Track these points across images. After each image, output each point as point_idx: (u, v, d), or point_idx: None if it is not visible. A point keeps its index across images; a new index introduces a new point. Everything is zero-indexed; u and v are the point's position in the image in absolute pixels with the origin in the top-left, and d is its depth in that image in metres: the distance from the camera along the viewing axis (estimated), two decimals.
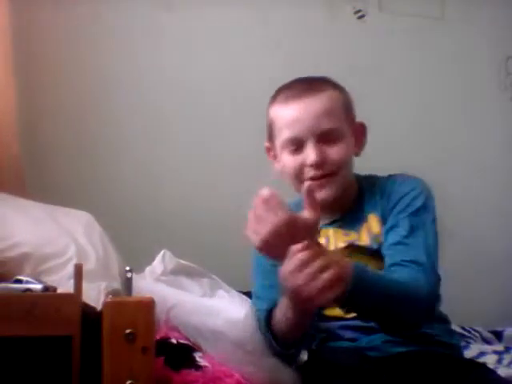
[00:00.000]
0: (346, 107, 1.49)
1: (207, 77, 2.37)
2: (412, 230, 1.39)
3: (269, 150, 1.57)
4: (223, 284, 1.68)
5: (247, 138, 2.40)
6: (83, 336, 1.13)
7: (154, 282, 1.57)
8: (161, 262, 1.62)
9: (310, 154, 1.42)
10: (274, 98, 1.51)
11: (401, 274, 1.31)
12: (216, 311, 1.44)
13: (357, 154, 1.51)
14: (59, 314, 1.12)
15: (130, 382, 1.12)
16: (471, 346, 2.02)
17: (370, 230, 1.46)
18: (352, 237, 1.47)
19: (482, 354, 1.94)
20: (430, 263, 1.35)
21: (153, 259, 1.65)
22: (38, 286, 1.19)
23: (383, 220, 1.45)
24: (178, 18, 2.36)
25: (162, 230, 2.22)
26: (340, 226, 1.49)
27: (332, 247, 1.47)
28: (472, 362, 1.53)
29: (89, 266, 1.46)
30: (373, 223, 1.47)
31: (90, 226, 1.65)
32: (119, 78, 2.30)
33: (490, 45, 2.64)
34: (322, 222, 1.46)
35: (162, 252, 1.64)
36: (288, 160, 1.47)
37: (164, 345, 1.35)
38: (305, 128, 1.43)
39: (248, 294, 1.58)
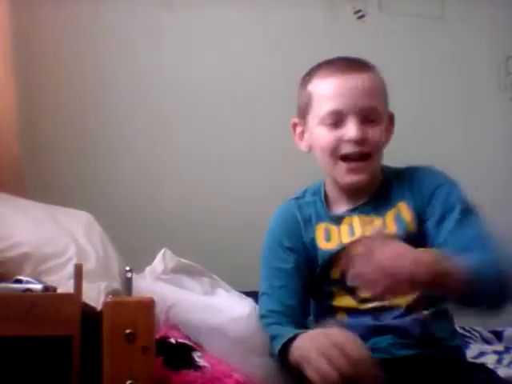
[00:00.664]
0: (385, 91, 1.48)
1: (207, 77, 2.37)
2: (464, 213, 1.39)
3: (295, 125, 1.54)
4: (223, 283, 1.68)
5: (247, 138, 2.41)
6: (83, 336, 1.13)
7: (154, 281, 1.57)
8: (161, 260, 1.62)
9: (351, 129, 1.40)
10: (312, 73, 1.48)
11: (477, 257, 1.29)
12: (216, 309, 1.43)
13: (386, 143, 1.49)
14: (59, 314, 1.12)
15: (129, 382, 1.12)
16: (471, 346, 2.02)
17: (398, 218, 1.44)
18: (377, 223, 1.45)
19: (482, 354, 1.94)
20: (491, 239, 1.35)
21: (153, 259, 1.65)
22: (37, 286, 1.19)
23: (414, 210, 1.43)
24: (177, 17, 2.36)
25: (162, 230, 2.22)
26: (364, 213, 1.46)
27: (358, 234, 1.44)
28: (475, 365, 1.52)
29: (89, 266, 1.46)
30: (403, 211, 1.44)
31: (90, 226, 1.65)
32: (119, 78, 2.30)
33: (490, 45, 2.64)
34: (345, 208, 1.48)
35: (162, 251, 1.64)
36: (324, 134, 1.44)
37: (163, 345, 1.35)
38: (348, 102, 1.40)
39: (248, 294, 1.58)
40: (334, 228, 1.47)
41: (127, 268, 1.24)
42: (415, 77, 2.55)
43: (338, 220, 1.47)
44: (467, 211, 1.40)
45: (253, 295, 1.57)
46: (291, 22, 2.46)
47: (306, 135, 1.51)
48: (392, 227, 1.43)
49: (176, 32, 2.37)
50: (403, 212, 1.44)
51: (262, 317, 1.44)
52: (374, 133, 1.42)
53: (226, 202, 2.33)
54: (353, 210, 1.47)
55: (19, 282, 1.22)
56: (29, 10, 2.19)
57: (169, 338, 1.39)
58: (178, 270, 1.62)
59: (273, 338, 1.38)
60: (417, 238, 1.41)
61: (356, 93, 1.41)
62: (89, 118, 2.27)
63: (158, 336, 1.35)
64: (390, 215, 1.45)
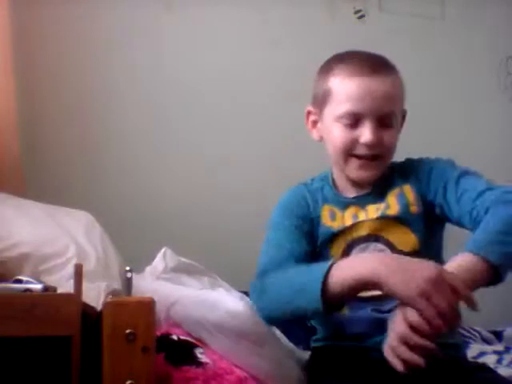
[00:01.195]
0: (403, 95, 1.51)
1: (207, 76, 2.37)
2: (462, 173, 1.46)
3: (309, 114, 1.54)
4: (223, 283, 1.68)
5: (247, 138, 2.41)
6: (83, 336, 1.13)
7: (154, 281, 1.57)
8: (162, 259, 1.62)
9: (368, 133, 1.42)
10: (334, 67, 1.48)
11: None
12: (216, 303, 1.43)
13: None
14: (59, 314, 1.12)
15: (129, 381, 1.12)
16: (471, 345, 2.02)
17: (401, 197, 1.46)
18: (381, 208, 1.47)
19: (482, 353, 1.94)
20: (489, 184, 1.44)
21: (153, 259, 1.65)
22: (38, 286, 1.19)
23: (417, 192, 1.46)
24: (178, 17, 2.36)
25: (162, 230, 2.21)
26: (368, 201, 1.49)
27: (361, 219, 1.47)
28: (478, 364, 1.52)
29: (89, 266, 1.46)
30: (406, 192, 1.47)
31: (90, 225, 1.66)
32: (119, 78, 2.30)
33: (490, 45, 2.64)
34: (351, 195, 1.50)
35: (162, 250, 1.64)
36: (339, 133, 1.45)
37: (165, 341, 1.35)
38: (367, 106, 1.42)
39: (248, 294, 1.58)
40: (338, 212, 1.49)
41: (127, 268, 1.24)
42: (415, 77, 2.54)
43: (343, 205, 1.50)
44: (466, 171, 1.48)
45: None
46: (291, 21, 2.46)
47: (320, 126, 1.52)
48: (394, 207, 1.46)
49: (176, 32, 2.37)
50: (406, 192, 1.48)
51: (271, 268, 1.43)
52: (388, 136, 1.45)
53: (226, 201, 2.33)
54: (358, 199, 1.50)
55: (19, 282, 1.22)
56: (29, 10, 2.19)
57: (171, 334, 1.39)
58: (179, 269, 1.62)
59: (302, 274, 1.34)
60: (417, 219, 1.45)
61: (376, 97, 1.42)
62: (89, 117, 2.27)
63: (159, 333, 1.35)
64: (392, 195, 1.48)
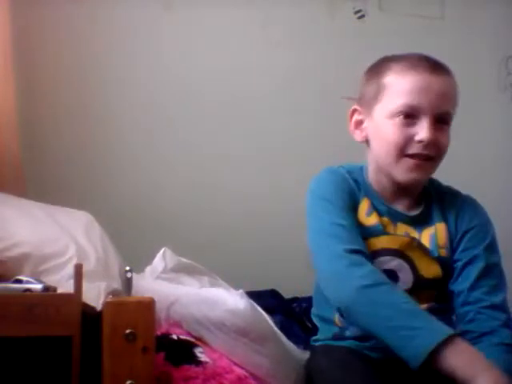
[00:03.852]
0: (457, 99, 1.47)
1: (207, 77, 2.37)
2: (487, 270, 1.42)
3: (354, 113, 1.49)
4: (223, 283, 1.68)
5: (247, 138, 2.41)
6: (83, 336, 1.13)
7: (154, 280, 1.57)
8: (162, 259, 1.63)
9: (425, 130, 1.37)
10: (390, 65, 1.44)
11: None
12: (216, 301, 1.43)
13: None
14: (59, 314, 1.12)
15: (129, 381, 1.13)
16: None
17: (434, 238, 1.45)
18: (413, 234, 1.45)
19: None
20: (505, 302, 1.40)
21: (153, 259, 1.65)
22: (38, 286, 1.19)
23: (450, 235, 1.45)
24: (178, 17, 2.36)
25: (162, 230, 2.22)
26: (402, 221, 1.46)
27: (391, 231, 1.44)
28: None
29: (89, 266, 1.46)
30: (440, 233, 1.46)
31: (90, 225, 1.66)
32: (119, 78, 2.30)
33: (490, 45, 2.64)
34: (384, 203, 1.46)
35: (162, 250, 1.64)
36: (393, 130, 1.40)
37: (164, 341, 1.35)
38: (425, 100, 1.38)
39: (248, 294, 1.58)
40: (374, 210, 1.45)
41: (127, 268, 1.25)
42: None
43: (378, 209, 1.45)
44: (496, 264, 1.44)
45: (252, 295, 1.57)
46: (291, 21, 2.45)
47: (367, 125, 1.47)
48: (426, 243, 1.45)
49: (176, 32, 2.37)
50: (439, 234, 1.46)
51: (362, 252, 1.35)
52: (443, 138, 1.41)
53: (226, 201, 2.33)
54: (393, 215, 1.46)
55: (19, 282, 1.22)
56: (29, 10, 2.19)
57: (171, 334, 1.39)
58: (179, 269, 1.63)
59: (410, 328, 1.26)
60: (444, 258, 1.44)
61: (436, 94, 1.39)
62: (89, 117, 2.27)
63: (159, 332, 1.36)
64: (426, 233, 1.46)
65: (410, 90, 1.39)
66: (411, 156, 1.40)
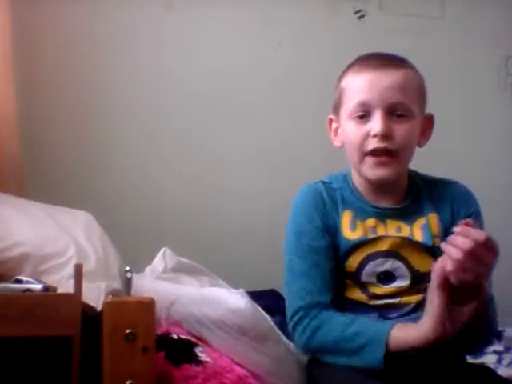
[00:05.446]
0: (419, 90, 1.47)
1: (207, 77, 2.37)
2: None
3: (331, 122, 1.53)
4: (223, 283, 1.68)
5: (247, 138, 2.41)
6: (83, 336, 1.13)
7: (154, 280, 1.57)
8: (162, 259, 1.63)
9: (377, 124, 1.39)
10: (348, 68, 1.49)
11: None
12: (217, 300, 1.43)
13: (420, 145, 1.49)
14: (59, 314, 1.12)
15: (129, 381, 1.13)
16: None
17: (427, 228, 1.45)
18: (404, 232, 1.45)
19: (482, 353, 1.94)
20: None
21: (153, 259, 1.65)
22: (37, 286, 1.19)
23: (444, 224, 1.45)
24: (178, 17, 2.36)
25: (162, 230, 2.22)
26: (392, 217, 1.46)
27: (380, 234, 1.44)
28: (478, 366, 1.52)
29: (89, 266, 1.46)
30: (433, 224, 1.46)
31: (90, 225, 1.66)
32: (119, 78, 2.30)
33: (489, 45, 2.64)
34: (372, 205, 1.47)
35: (162, 250, 1.64)
36: (353, 130, 1.43)
37: (165, 340, 1.35)
38: (375, 94, 1.40)
39: (248, 294, 1.58)
40: (359, 221, 1.45)
41: (127, 268, 1.25)
42: None
43: (364, 213, 1.46)
44: None
45: (252, 295, 1.57)
46: (291, 21, 2.45)
47: (340, 130, 1.50)
48: (418, 236, 1.45)
49: (177, 32, 2.37)
50: (432, 224, 1.46)
51: (307, 307, 1.41)
52: (400, 130, 1.41)
53: (226, 201, 2.33)
54: (381, 214, 1.46)
55: (19, 282, 1.23)
56: (29, 10, 2.19)
57: (171, 333, 1.40)
58: (179, 269, 1.63)
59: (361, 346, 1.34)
60: (439, 248, 1.41)
61: (384, 87, 1.40)
62: (89, 117, 2.27)
63: (159, 332, 1.36)
64: (417, 225, 1.46)
65: (361, 87, 1.42)
66: (371, 153, 1.41)
